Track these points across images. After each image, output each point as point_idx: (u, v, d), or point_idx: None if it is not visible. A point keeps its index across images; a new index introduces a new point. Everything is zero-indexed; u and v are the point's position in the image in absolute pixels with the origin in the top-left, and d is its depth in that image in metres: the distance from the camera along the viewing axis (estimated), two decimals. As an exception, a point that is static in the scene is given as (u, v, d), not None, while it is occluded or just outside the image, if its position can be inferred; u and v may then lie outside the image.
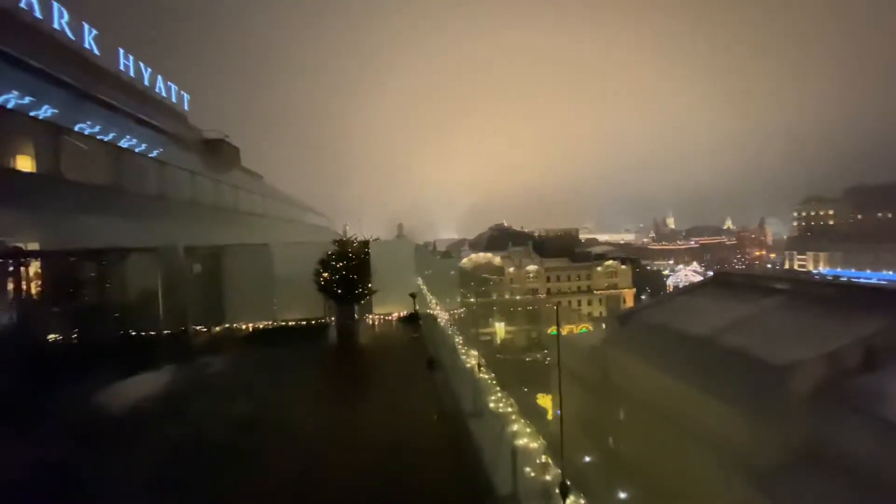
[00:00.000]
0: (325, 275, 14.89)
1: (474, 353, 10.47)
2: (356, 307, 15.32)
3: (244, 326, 15.52)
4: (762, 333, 12.28)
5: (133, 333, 10.45)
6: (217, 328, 15.20)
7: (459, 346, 11.20)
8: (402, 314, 15.84)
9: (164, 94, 33.70)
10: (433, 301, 13.22)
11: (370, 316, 16.08)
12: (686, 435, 11.69)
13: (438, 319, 10.71)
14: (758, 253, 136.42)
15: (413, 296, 14.26)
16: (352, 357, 12.04)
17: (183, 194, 18.93)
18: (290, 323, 15.76)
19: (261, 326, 15.59)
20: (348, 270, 14.80)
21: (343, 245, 15.08)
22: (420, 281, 16.69)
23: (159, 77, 33.12)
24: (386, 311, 16.04)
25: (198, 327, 14.61)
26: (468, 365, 9.60)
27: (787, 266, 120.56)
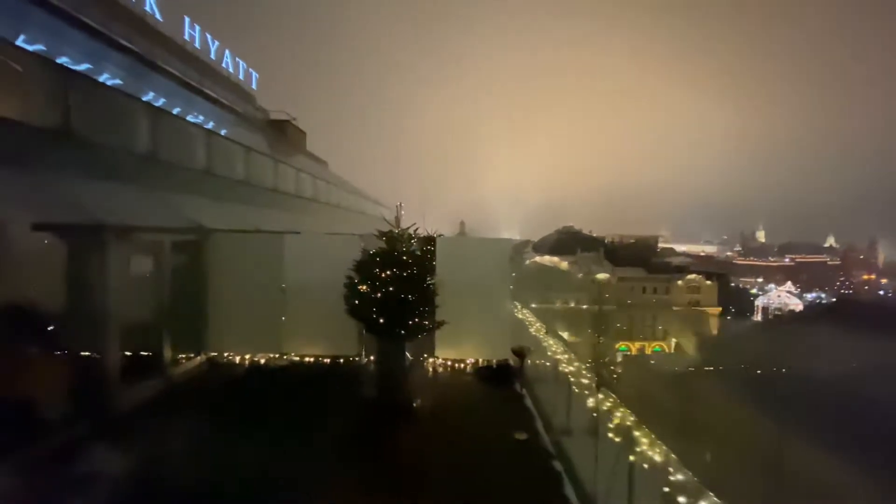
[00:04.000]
0: (364, 288, 8.58)
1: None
2: (408, 344, 8.92)
3: (237, 359, 9.62)
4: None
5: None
6: (195, 358, 9.39)
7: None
8: (486, 363, 9.21)
9: (231, 69, 29.98)
10: (564, 355, 6.32)
11: (430, 360, 9.56)
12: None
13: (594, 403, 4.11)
14: (866, 277, 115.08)
15: (522, 355, 7.50)
16: (391, 475, 5.59)
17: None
18: (306, 359, 9.64)
19: (261, 361, 9.60)
20: (399, 285, 8.38)
21: (393, 242, 8.67)
22: (524, 313, 9.83)
23: (227, 52, 29.34)
24: (457, 354, 9.45)
25: (163, 353, 8.81)
26: None
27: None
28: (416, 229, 9.22)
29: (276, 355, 9.57)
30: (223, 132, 18.77)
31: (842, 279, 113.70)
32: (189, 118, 17.03)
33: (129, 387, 7.41)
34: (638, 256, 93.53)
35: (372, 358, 9.46)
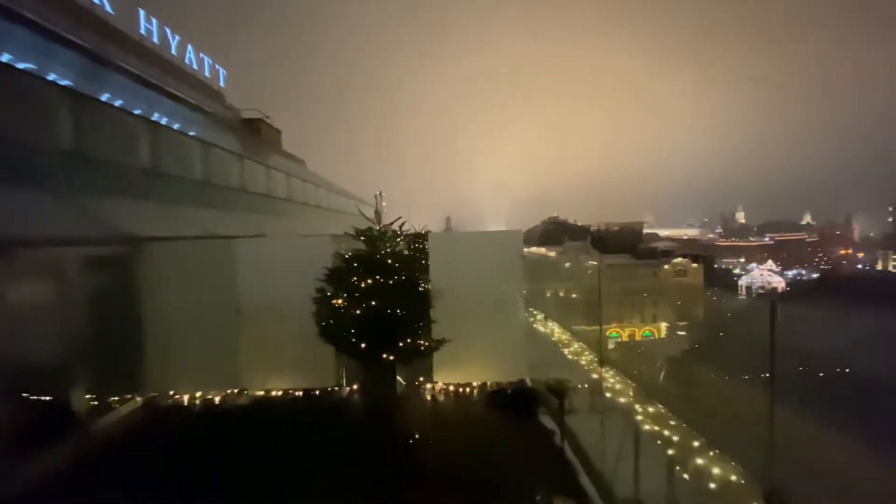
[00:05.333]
0: (339, 302, 6.61)
1: None
2: (398, 366, 6.99)
3: (185, 399, 7.54)
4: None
5: None
6: (129, 401, 7.30)
7: None
8: (495, 385, 7.31)
9: (195, 66, 27.46)
10: (641, 407, 4.34)
11: (427, 386, 7.60)
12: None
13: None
14: (843, 252, 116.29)
15: (561, 394, 5.51)
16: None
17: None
18: (272, 393, 7.61)
19: (215, 400, 7.55)
20: (385, 296, 6.43)
21: (373, 242, 6.70)
22: (550, 326, 7.89)
23: (189, 47, 26.80)
24: (461, 376, 7.50)
25: (74, 399, 6.70)
26: None
27: (879, 267, 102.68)
28: (403, 223, 7.27)
29: (235, 391, 7.53)
30: (191, 133, 16.55)
31: (820, 255, 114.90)
32: (152, 119, 14.80)
33: (18, 449, 5.31)
34: (624, 243, 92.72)
35: (355, 387, 7.50)
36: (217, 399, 7.50)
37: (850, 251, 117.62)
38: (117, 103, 11.29)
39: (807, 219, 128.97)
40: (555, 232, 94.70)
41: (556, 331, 7.35)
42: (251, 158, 18.87)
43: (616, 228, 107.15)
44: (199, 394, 7.54)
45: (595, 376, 5.63)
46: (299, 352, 7.28)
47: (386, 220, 7.22)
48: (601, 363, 5.21)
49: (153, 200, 9.75)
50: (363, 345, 6.27)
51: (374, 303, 6.31)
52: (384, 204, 7.29)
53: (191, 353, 7.37)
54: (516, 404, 6.68)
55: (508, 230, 8.35)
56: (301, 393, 7.55)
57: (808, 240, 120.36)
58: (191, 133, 15.37)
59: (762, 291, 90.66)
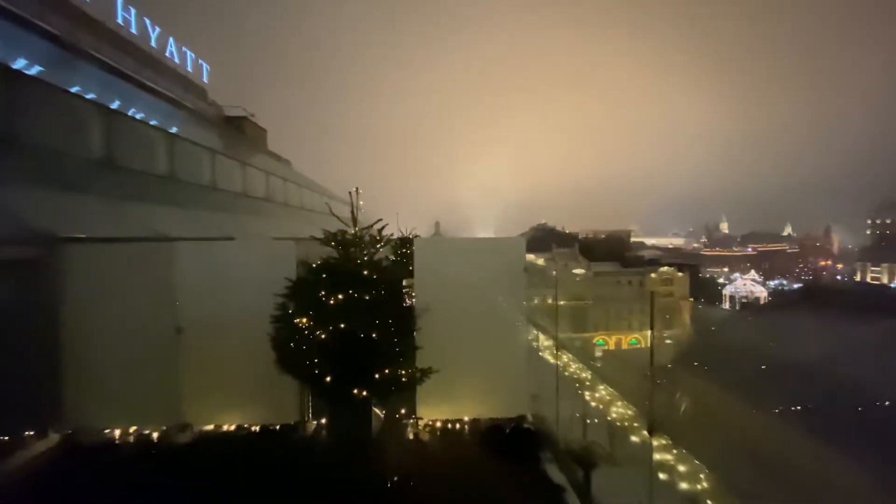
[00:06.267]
0: (303, 321, 5.37)
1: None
2: (374, 401, 5.79)
3: (117, 434, 6.19)
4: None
5: None
6: (42, 439, 5.94)
7: None
8: (492, 422, 6.11)
9: (176, 59, 26.03)
10: None
11: (409, 422, 6.37)
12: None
13: None
14: (823, 263, 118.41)
15: (589, 464, 4.25)
16: None
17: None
18: (222, 428, 6.31)
19: (153, 436, 6.21)
20: (358, 315, 5.23)
21: (347, 249, 5.50)
22: (563, 358, 6.70)
23: (171, 39, 25.33)
24: (449, 411, 6.28)
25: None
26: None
27: (858, 279, 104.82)
28: (384, 227, 6.08)
29: (177, 427, 6.20)
30: (153, 123, 15.17)
31: (801, 266, 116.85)
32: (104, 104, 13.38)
33: None
34: (612, 251, 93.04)
35: (324, 421, 6.25)
36: (155, 435, 6.17)
37: (829, 262, 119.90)
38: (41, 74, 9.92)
39: (787, 230, 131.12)
40: (543, 239, 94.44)
41: (572, 366, 6.18)
42: (225, 154, 17.47)
43: (603, 236, 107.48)
44: (132, 429, 6.19)
45: (632, 438, 4.41)
46: (256, 379, 6.00)
47: (367, 224, 6.07)
48: (651, 431, 3.95)
49: (92, 195, 8.36)
50: (328, 377, 5.04)
51: (342, 325, 5.09)
52: (361, 203, 6.10)
53: (121, 380, 6.03)
54: (515, 446, 5.51)
55: (510, 237, 7.21)
56: (258, 429, 6.27)
57: (788, 251, 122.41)
58: (153, 122, 13.98)
59: (746, 301, 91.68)
